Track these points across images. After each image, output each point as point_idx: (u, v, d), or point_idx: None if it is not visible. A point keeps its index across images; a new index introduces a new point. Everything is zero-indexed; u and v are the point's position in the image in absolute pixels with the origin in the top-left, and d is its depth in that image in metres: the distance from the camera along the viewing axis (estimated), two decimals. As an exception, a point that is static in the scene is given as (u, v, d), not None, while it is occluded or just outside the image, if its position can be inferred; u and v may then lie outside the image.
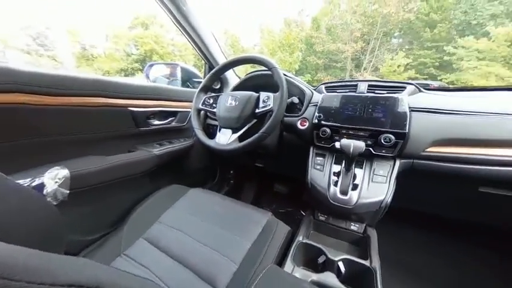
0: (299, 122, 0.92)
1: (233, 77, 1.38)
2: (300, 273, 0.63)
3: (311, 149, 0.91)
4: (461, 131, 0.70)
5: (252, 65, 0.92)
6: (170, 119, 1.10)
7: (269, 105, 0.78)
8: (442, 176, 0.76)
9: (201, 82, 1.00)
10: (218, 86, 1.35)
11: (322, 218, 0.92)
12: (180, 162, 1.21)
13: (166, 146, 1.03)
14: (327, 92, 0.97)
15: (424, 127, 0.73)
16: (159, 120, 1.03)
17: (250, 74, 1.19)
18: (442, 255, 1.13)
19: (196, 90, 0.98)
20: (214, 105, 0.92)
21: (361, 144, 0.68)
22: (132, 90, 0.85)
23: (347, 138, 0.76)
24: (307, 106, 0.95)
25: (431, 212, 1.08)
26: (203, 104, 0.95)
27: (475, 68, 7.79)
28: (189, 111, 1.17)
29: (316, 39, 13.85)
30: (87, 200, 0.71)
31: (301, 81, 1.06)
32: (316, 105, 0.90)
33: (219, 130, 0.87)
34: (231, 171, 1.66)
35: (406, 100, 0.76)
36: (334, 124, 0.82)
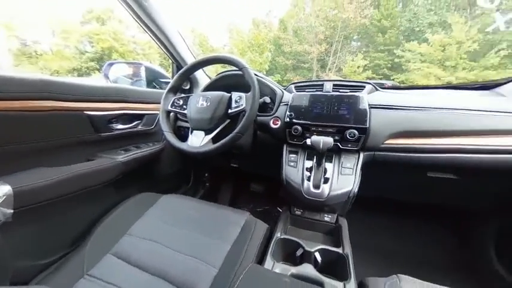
0: (272, 121, 0.95)
1: (203, 77, 1.35)
2: (280, 268, 0.64)
3: (284, 147, 0.94)
4: (411, 125, 0.80)
5: (222, 65, 0.90)
6: (136, 122, 1.02)
7: (242, 105, 0.78)
8: (399, 165, 0.86)
9: (168, 83, 0.95)
10: (188, 87, 1.30)
11: (298, 212, 0.95)
12: (150, 168, 1.14)
13: (133, 151, 0.95)
14: (297, 91, 1.02)
15: (382, 122, 0.82)
16: (124, 124, 0.95)
17: (221, 74, 1.18)
18: (403, 234, 1.28)
19: (164, 91, 0.93)
20: (184, 106, 0.89)
21: (329, 140, 0.74)
22: (88, 91, 0.76)
23: (317, 135, 0.82)
24: (279, 105, 0.98)
25: (391, 198, 1.22)
26: (172, 105, 0.90)
27: (419, 69, 8.97)
28: (156, 114, 1.10)
29: (284, 41, 14.32)
30: (39, 219, 0.62)
31: (271, 81, 1.09)
32: (287, 104, 0.93)
33: (191, 132, 0.84)
34: (206, 174, 1.62)
35: (366, 98, 0.85)
36: (305, 122, 0.87)
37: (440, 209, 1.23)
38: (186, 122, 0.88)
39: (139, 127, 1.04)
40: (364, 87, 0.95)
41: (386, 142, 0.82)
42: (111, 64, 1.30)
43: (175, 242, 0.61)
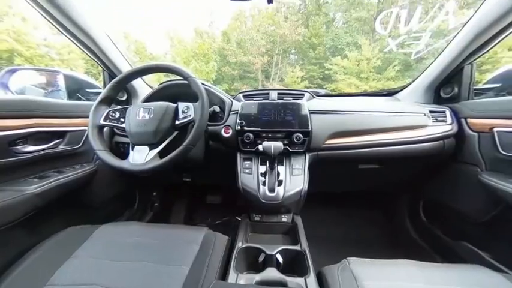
0: (223, 130, 0.95)
1: (143, 87, 1.23)
2: (244, 278, 0.63)
3: (238, 154, 0.95)
4: (343, 126, 0.96)
5: (166, 74, 0.85)
6: (56, 141, 0.83)
7: (190, 115, 0.75)
8: (337, 161, 1.00)
9: (99, 93, 0.82)
10: (124, 98, 1.16)
11: (257, 218, 0.96)
12: (79, 195, 0.94)
13: (52, 178, 0.77)
14: (245, 100, 1.06)
15: (321, 125, 0.95)
16: (37, 145, 0.76)
17: (165, 83, 1.10)
18: (348, 221, 1.49)
19: (94, 103, 0.79)
20: (122, 119, 0.78)
21: (279, 145, 0.79)
22: None
23: (267, 140, 0.87)
24: (229, 114, 0.99)
25: (334, 191, 1.40)
26: (106, 118, 0.78)
27: (343, 80, 10.80)
28: (83, 130, 0.92)
29: (229, 52, 14.67)
30: None
31: (220, 91, 1.09)
32: (237, 112, 0.96)
33: (133, 148, 0.74)
34: (154, 193, 1.45)
35: (306, 105, 0.97)
36: (256, 129, 0.92)
37: (372, 195, 1.49)
38: (126, 137, 0.77)
39: (61, 147, 0.85)
40: (304, 95, 1.08)
41: (326, 142, 0.95)
42: (12, 71, 1.03)
43: (119, 280, 0.52)
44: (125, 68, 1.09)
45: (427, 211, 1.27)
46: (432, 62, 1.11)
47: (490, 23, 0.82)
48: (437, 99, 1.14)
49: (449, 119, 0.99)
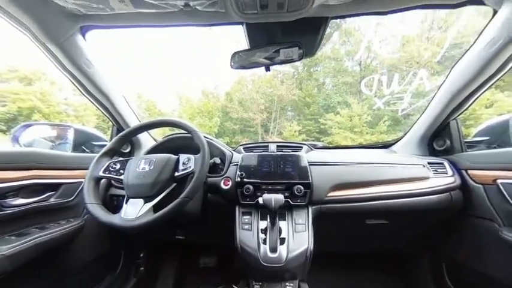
0: (222, 182, 0.93)
1: (148, 140, 1.28)
2: None
3: (237, 208, 0.90)
4: (344, 177, 0.95)
5: (171, 128, 0.90)
6: (48, 194, 0.80)
7: (190, 167, 0.75)
8: (342, 215, 0.94)
9: (104, 146, 0.85)
10: (128, 150, 1.20)
11: (257, 286, 0.83)
12: (57, 257, 0.84)
13: (32, 235, 0.71)
14: (245, 152, 1.09)
15: (321, 177, 0.94)
16: (29, 198, 0.73)
17: (169, 136, 1.16)
18: (358, 286, 1.28)
19: (97, 155, 0.81)
20: (121, 171, 0.78)
21: (280, 197, 0.77)
22: None
23: (267, 193, 0.84)
24: (229, 166, 1.00)
25: (342, 250, 1.26)
26: (106, 170, 0.78)
27: (339, 133, 11.44)
28: (80, 182, 0.91)
29: (231, 109, 16.08)
30: None
31: (221, 143, 1.13)
32: (237, 164, 0.97)
33: (126, 201, 0.71)
34: (141, 254, 1.29)
35: (305, 156, 0.99)
36: (256, 181, 0.90)
37: (387, 257, 1.34)
38: (122, 189, 0.75)
39: (52, 200, 0.81)
40: (302, 147, 1.12)
41: (329, 195, 0.92)
42: (27, 126, 1.10)
43: None
44: (133, 123, 1.17)
45: (452, 275, 1.10)
46: (419, 118, 1.20)
47: (461, 87, 0.93)
48: (432, 151, 1.18)
49: (449, 171, 0.99)
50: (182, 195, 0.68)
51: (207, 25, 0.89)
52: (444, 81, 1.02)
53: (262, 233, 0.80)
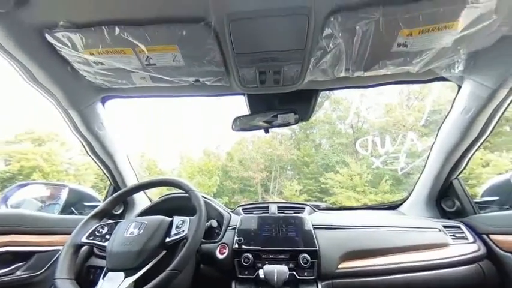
0: (218, 250, 0.83)
1: (143, 200, 1.23)
2: None
3: (233, 285, 0.77)
4: (355, 244, 0.85)
5: (168, 187, 0.88)
6: (15, 265, 0.70)
7: (183, 231, 0.68)
8: None
9: (96, 206, 0.81)
10: (119, 211, 1.13)
11: None
12: None
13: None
14: (245, 213, 1.02)
15: (329, 243, 0.84)
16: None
17: (165, 196, 1.11)
18: None
19: (86, 217, 0.76)
20: (108, 236, 0.71)
21: (284, 269, 0.67)
22: None
23: (269, 264, 0.73)
24: (226, 230, 0.91)
25: None
26: (91, 235, 0.71)
27: (341, 193, 11.08)
28: (55, 251, 0.81)
29: (231, 168, 16.23)
30: None
31: (219, 204, 1.08)
32: (235, 228, 0.89)
33: (104, 276, 0.61)
34: None
35: (308, 219, 0.92)
36: (256, 248, 0.81)
37: None
38: (103, 258, 0.66)
39: (18, 273, 0.70)
40: (304, 208, 1.06)
41: (340, 266, 0.80)
42: (22, 185, 1.08)
43: None
44: (131, 182, 1.16)
45: None
46: (419, 177, 1.20)
47: (451, 148, 0.98)
48: (443, 213, 1.11)
49: (469, 236, 0.90)
50: (170, 267, 0.59)
51: (213, 95, 1.02)
52: (434, 142, 1.07)
53: (263, 319, 0.65)
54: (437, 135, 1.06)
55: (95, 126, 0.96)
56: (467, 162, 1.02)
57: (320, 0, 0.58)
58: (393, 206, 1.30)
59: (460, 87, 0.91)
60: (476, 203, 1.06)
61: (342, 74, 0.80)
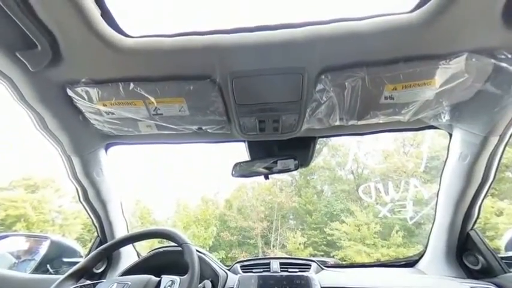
0: (211, 322, 0.69)
1: (130, 254, 1.11)
2: None
3: None
4: None
5: (160, 240, 0.81)
6: None
7: (172, 295, 0.59)
8: None
9: (76, 263, 0.72)
10: (101, 269, 1.00)
11: None
12: None
13: None
14: (243, 271, 0.90)
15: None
16: None
17: (154, 251, 1.00)
18: None
19: (59, 279, 0.66)
20: (82, 302, 0.60)
21: None
22: None
23: None
24: (221, 294, 0.78)
25: None
26: (61, 301, 0.61)
27: (349, 246, 10.04)
28: None
29: (229, 217, 15.23)
30: None
31: (215, 260, 0.96)
32: (232, 291, 0.77)
33: None
34: None
35: (316, 279, 0.80)
36: (255, 319, 0.67)
37: None
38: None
39: None
40: (310, 265, 0.94)
41: None
42: (1, 238, 0.99)
43: None
44: (120, 233, 1.06)
45: None
46: (432, 229, 1.11)
47: (458, 197, 0.94)
48: (467, 271, 0.98)
49: None
50: None
51: (214, 142, 1.06)
52: (439, 189, 1.04)
53: None
54: (440, 181, 1.03)
55: (94, 172, 0.95)
56: (479, 211, 0.97)
57: (311, 62, 0.67)
58: (410, 263, 1.15)
59: (451, 135, 0.94)
60: (502, 258, 0.95)
61: (337, 123, 0.84)
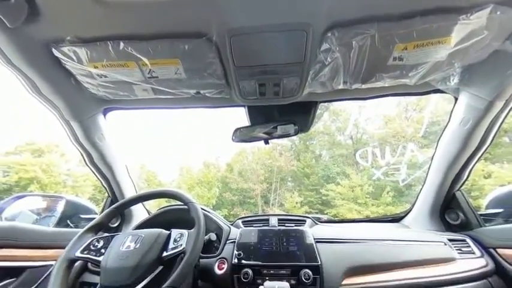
0: (217, 265, 0.80)
1: (141, 212, 1.21)
2: None
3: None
4: (359, 259, 0.82)
5: (167, 199, 0.87)
6: (5, 282, 0.67)
7: (181, 245, 0.67)
8: None
9: (92, 219, 0.79)
10: (116, 224, 1.10)
11: None
12: None
13: None
14: (244, 226, 1.00)
15: (332, 258, 0.81)
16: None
17: (163, 209, 1.09)
18: None
19: (81, 230, 0.74)
20: (103, 250, 0.69)
21: (286, 286, 0.64)
22: None
23: (270, 280, 0.71)
24: (225, 243, 0.89)
25: None
26: (85, 249, 0.69)
27: (342, 205, 10.89)
28: (48, 266, 0.78)
29: (231, 179, 16.07)
30: None
31: (218, 216, 1.06)
32: (235, 241, 0.86)
33: (96, 294, 0.58)
34: None
35: (310, 232, 0.89)
36: (256, 263, 0.78)
37: None
38: (98, 274, 0.64)
39: (8, 290, 0.67)
40: (305, 221, 1.04)
41: (345, 283, 0.77)
42: (19, 197, 1.06)
43: None
44: (130, 193, 1.14)
45: None
46: (421, 189, 1.18)
47: (452, 160, 0.98)
48: (448, 226, 1.09)
49: (476, 250, 0.88)
50: (167, 284, 0.56)
51: (214, 107, 1.04)
52: (434, 153, 1.07)
53: None
54: (437, 146, 1.06)
55: (95, 137, 0.96)
56: (469, 174, 1.01)
57: (317, 17, 0.61)
58: (396, 219, 1.27)
59: (456, 99, 0.92)
60: (481, 215, 1.04)
61: (340, 87, 0.81)
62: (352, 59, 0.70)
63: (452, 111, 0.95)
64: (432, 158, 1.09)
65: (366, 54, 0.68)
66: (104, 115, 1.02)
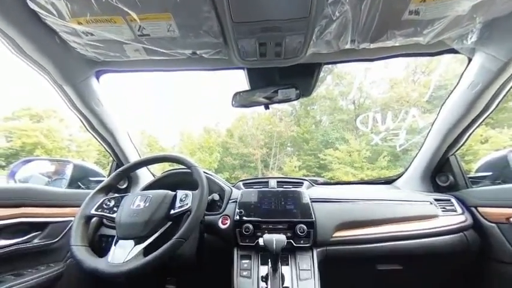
0: (220, 221, 0.89)
1: (146, 175, 1.27)
2: None
3: (235, 251, 0.83)
4: (349, 215, 0.90)
5: (170, 163, 0.90)
6: (32, 234, 0.75)
7: (187, 204, 0.72)
8: (351, 260, 0.86)
9: (101, 181, 0.84)
10: (124, 186, 1.17)
11: None
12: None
13: (3, 285, 0.64)
14: (245, 188, 1.07)
15: (325, 215, 0.89)
16: (9, 239, 0.68)
17: (168, 172, 1.14)
18: None
19: (92, 191, 0.79)
20: (115, 208, 0.75)
21: (282, 238, 0.71)
22: None
23: (268, 233, 0.79)
24: (228, 203, 0.96)
25: None
26: (99, 208, 0.75)
27: (339, 169, 11.36)
28: (68, 221, 0.86)
29: (231, 145, 16.37)
30: None
31: (220, 179, 1.11)
32: (236, 201, 0.93)
33: (115, 243, 0.66)
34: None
35: (306, 193, 0.96)
36: (255, 219, 0.86)
37: None
38: (113, 228, 0.71)
39: (35, 241, 0.76)
40: (303, 183, 1.10)
41: (335, 235, 0.86)
42: (27, 161, 1.10)
43: None
44: (133, 158, 1.17)
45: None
46: (417, 153, 1.21)
47: (453, 124, 0.97)
48: (437, 188, 1.15)
49: (458, 208, 0.95)
50: (176, 236, 0.63)
51: (211, 70, 0.98)
52: (436, 118, 1.06)
53: (262, 281, 0.72)
54: (439, 111, 1.04)
55: (92, 103, 0.94)
56: (467, 139, 1.02)
57: None
58: (389, 181, 1.34)
59: (470, 60, 0.86)
60: (470, 178, 1.09)
61: (347, 46, 0.75)
62: (362, 12, 0.63)
63: (462, 74, 0.91)
64: (433, 124, 1.09)
65: (379, 7, 0.61)
66: (97, 78, 0.97)
